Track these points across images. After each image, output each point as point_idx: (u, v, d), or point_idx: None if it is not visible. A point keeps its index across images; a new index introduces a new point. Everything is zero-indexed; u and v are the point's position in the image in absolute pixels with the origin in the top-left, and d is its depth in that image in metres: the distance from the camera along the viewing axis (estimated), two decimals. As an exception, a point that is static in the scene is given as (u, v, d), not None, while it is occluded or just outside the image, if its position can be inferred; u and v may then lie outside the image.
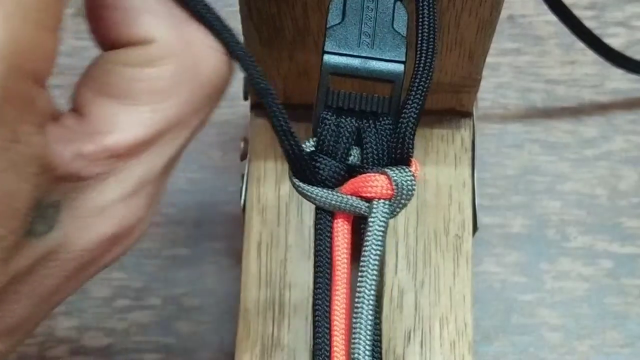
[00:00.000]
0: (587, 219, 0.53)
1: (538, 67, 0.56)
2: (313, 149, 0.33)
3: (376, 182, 0.32)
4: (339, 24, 0.32)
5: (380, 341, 0.32)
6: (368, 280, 0.31)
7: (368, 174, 0.32)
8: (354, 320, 0.31)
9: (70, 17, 0.57)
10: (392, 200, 0.32)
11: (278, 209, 0.42)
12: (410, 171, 0.32)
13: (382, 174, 0.32)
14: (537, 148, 0.54)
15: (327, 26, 0.32)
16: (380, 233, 0.32)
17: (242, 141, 0.45)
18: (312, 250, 0.42)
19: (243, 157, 0.45)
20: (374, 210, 0.32)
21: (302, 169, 0.32)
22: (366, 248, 0.32)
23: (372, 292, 0.31)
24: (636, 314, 0.51)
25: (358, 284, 0.32)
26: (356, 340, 0.31)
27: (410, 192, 0.32)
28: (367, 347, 0.31)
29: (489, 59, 0.40)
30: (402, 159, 0.32)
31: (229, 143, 0.54)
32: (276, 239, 0.42)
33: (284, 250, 0.42)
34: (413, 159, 0.33)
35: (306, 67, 0.40)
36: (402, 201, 0.32)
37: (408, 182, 0.32)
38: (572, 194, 0.53)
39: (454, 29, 0.37)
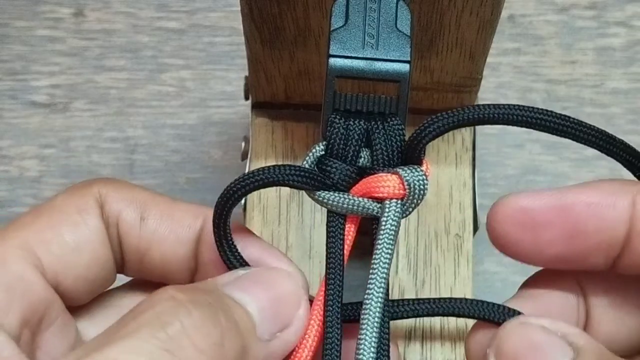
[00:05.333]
0: (587, 218, 0.53)
1: (538, 67, 0.56)
2: (323, 152, 0.33)
3: (388, 183, 0.32)
4: (343, 26, 0.32)
5: (388, 340, 0.32)
6: (378, 280, 0.31)
7: (379, 175, 0.32)
8: (362, 319, 0.31)
9: (70, 17, 0.57)
10: (404, 200, 0.32)
11: (279, 209, 0.42)
12: (421, 170, 0.32)
13: (393, 174, 0.32)
14: (537, 148, 0.54)
15: (331, 29, 0.32)
16: (392, 233, 0.32)
17: (243, 141, 0.45)
18: (313, 250, 0.42)
19: (244, 156, 0.45)
20: (386, 211, 0.32)
21: (312, 183, 0.33)
22: (378, 247, 0.32)
23: (382, 291, 0.31)
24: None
25: (368, 284, 0.32)
26: (362, 340, 0.31)
27: (422, 192, 0.32)
28: (373, 347, 0.31)
29: (489, 59, 0.40)
30: (412, 158, 0.32)
31: (229, 142, 0.54)
32: (277, 239, 0.42)
33: (285, 249, 0.42)
34: (424, 158, 0.33)
35: (307, 67, 0.40)
36: (415, 201, 0.32)
37: (420, 181, 0.32)
38: (572, 194, 0.53)
39: (454, 28, 0.37)
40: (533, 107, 0.32)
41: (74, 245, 0.33)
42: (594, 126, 0.33)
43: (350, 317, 0.33)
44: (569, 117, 0.32)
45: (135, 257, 0.34)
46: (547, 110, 0.32)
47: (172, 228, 0.34)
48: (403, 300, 0.35)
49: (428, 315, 0.35)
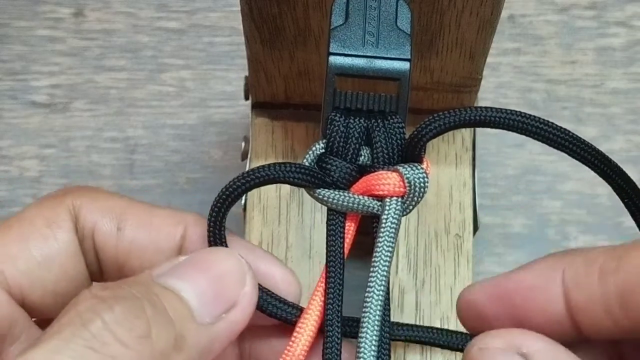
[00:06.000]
0: (588, 218, 0.53)
1: (538, 67, 0.56)
2: (323, 150, 0.33)
3: (388, 180, 0.32)
4: (343, 24, 0.32)
5: (389, 339, 0.32)
6: (379, 277, 0.31)
7: (380, 172, 0.32)
8: (362, 317, 0.31)
9: (70, 17, 0.57)
10: (405, 198, 0.32)
11: (279, 209, 0.42)
12: (422, 168, 0.32)
13: (394, 171, 0.32)
14: (537, 148, 0.54)
15: (331, 27, 0.32)
16: (393, 231, 0.32)
17: (243, 141, 0.45)
18: (313, 250, 0.42)
19: (244, 156, 0.45)
20: (387, 208, 0.32)
21: (312, 181, 0.33)
22: (378, 245, 0.32)
23: (382, 290, 0.31)
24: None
25: (369, 282, 0.32)
26: (362, 339, 0.31)
27: (422, 189, 0.32)
28: (374, 346, 0.31)
29: (489, 59, 0.40)
30: (413, 156, 0.33)
31: (229, 142, 0.54)
32: (277, 239, 0.42)
33: (285, 249, 0.42)
34: (424, 157, 0.33)
35: (307, 67, 0.40)
36: (415, 198, 0.32)
37: (420, 179, 0.32)
38: (572, 194, 0.53)
39: (454, 28, 0.37)
40: (535, 116, 0.32)
41: (41, 260, 0.32)
42: (593, 145, 0.33)
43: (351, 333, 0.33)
44: (569, 132, 0.32)
45: (114, 268, 0.34)
46: (548, 122, 0.32)
47: (151, 237, 0.33)
48: (399, 324, 0.35)
49: (422, 343, 0.35)
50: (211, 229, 0.33)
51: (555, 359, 0.30)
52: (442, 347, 0.34)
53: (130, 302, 0.28)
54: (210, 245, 0.33)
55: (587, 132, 0.54)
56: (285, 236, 0.42)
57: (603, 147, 0.54)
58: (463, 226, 0.42)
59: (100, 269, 0.34)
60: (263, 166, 0.32)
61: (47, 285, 0.32)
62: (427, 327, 0.34)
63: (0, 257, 0.32)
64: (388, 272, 0.32)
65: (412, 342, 0.35)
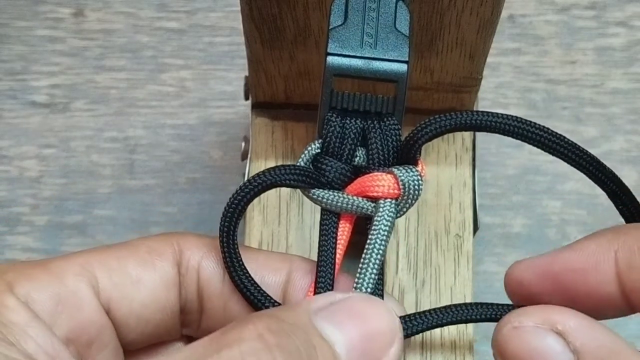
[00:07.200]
0: (588, 218, 0.53)
1: (538, 67, 0.56)
2: (318, 151, 0.33)
3: (382, 182, 0.32)
4: (342, 25, 0.32)
5: None
6: (367, 280, 0.31)
7: (374, 174, 0.32)
8: None
9: (70, 17, 0.57)
10: (399, 200, 0.32)
11: (279, 209, 0.42)
12: (417, 170, 0.32)
13: (388, 173, 0.32)
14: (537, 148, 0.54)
15: (330, 28, 0.32)
16: (385, 233, 0.32)
17: (243, 141, 0.45)
18: (313, 250, 0.42)
19: (244, 156, 0.45)
20: (380, 210, 0.32)
21: (307, 181, 0.33)
22: (369, 247, 0.32)
23: (369, 290, 0.31)
24: (636, 314, 0.51)
25: (355, 282, 0.32)
26: None
27: (417, 192, 0.32)
28: None
29: (489, 59, 0.40)
30: (408, 158, 0.33)
31: (229, 143, 0.54)
32: (277, 239, 0.42)
33: (285, 249, 0.42)
34: (419, 159, 0.33)
35: (307, 67, 0.40)
36: (409, 201, 0.32)
37: (415, 181, 0.32)
38: (572, 194, 0.53)
39: (454, 28, 0.37)
40: (530, 122, 0.32)
41: (135, 279, 0.32)
42: (588, 151, 0.33)
43: None
44: (564, 137, 0.32)
45: (219, 303, 0.33)
46: (544, 127, 0.32)
47: (256, 270, 0.33)
48: (414, 314, 0.34)
49: (437, 326, 0.34)
50: (225, 249, 0.33)
51: (592, 336, 0.30)
52: (477, 321, 0.33)
53: (294, 355, 0.27)
54: (226, 264, 0.33)
55: (587, 132, 0.54)
56: (285, 236, 0.42)
57: (603, 147, 0.54)
58: (463, 226, 0.42)
59: (200, 305, 0.34)
60: (258, 174, 0.32)
61: (134, 306, 0.32)
62: (457, 306, 0.33)
63: (98, 265, 0.32)
64: (377, 273, 0.32)
65: (455, 323, 0.34)
